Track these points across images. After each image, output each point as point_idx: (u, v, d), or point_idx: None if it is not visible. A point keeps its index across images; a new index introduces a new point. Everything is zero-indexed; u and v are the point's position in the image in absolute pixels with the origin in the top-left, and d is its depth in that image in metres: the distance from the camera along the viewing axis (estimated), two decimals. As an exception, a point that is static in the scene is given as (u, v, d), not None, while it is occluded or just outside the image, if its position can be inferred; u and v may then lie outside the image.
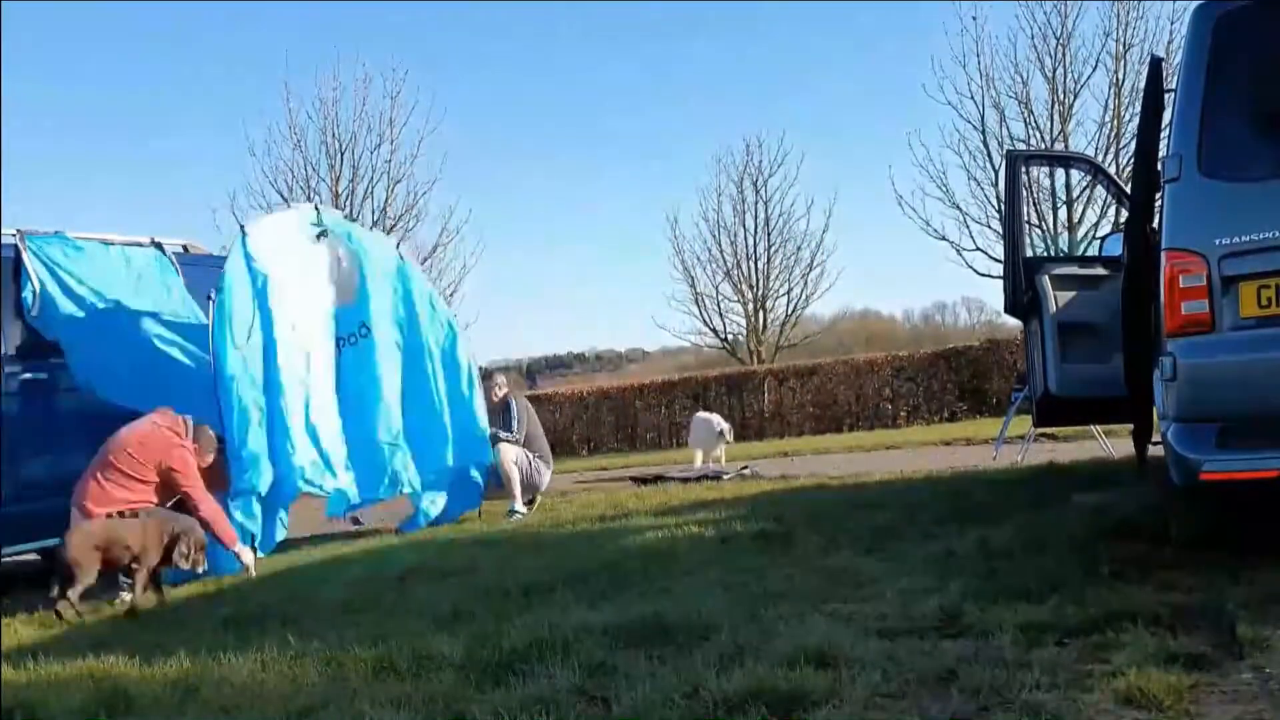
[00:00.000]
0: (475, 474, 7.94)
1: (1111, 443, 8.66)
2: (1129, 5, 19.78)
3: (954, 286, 69.70)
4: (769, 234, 26.50)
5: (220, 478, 6.22)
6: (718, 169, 30.21)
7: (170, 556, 5.40)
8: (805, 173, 27.38)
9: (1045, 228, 20.43)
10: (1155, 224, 4.40)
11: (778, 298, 26.80)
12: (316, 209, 7.96)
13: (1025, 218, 7.87)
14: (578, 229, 46.41)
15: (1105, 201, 19.33)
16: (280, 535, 6.72)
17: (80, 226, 6.94)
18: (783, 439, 18.08)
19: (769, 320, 26.97)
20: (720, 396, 20.77)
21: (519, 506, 8.06)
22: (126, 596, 5.41)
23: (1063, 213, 20.72)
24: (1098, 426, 8.82)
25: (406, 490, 7.51)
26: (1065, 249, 19.43)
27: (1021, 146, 19.79)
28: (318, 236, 7.51)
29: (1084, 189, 20.14)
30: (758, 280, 26.69)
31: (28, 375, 6.38)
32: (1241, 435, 3.64)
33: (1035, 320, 6.15)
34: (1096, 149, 19.82)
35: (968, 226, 21.35)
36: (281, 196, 21.07)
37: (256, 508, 6.36)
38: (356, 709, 2.84)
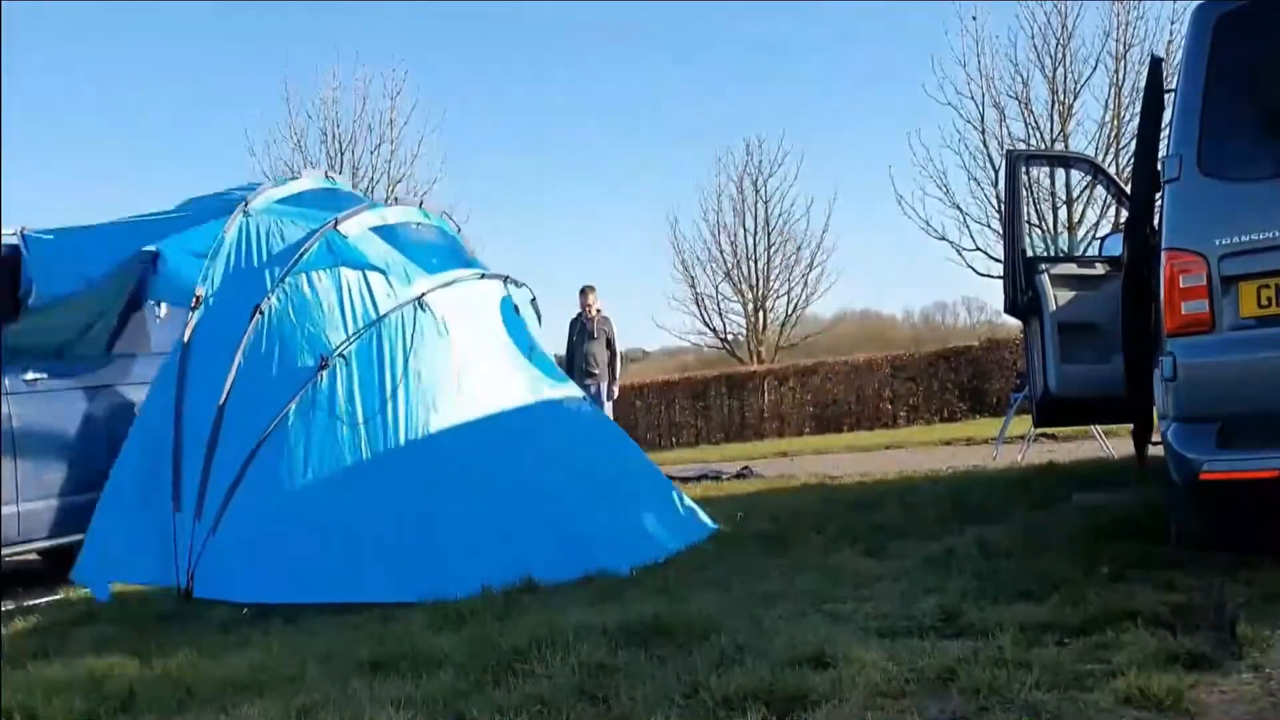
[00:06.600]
0: None
1: (1111, 443, 8.65)
2: (1129, 5, 19.79)
3: (954, 286, 69.41)
4: (769, 234, 26.49)
5: None
6: (718, 169, 30.23)
7: None
8: (805, 173, 27.40)
9: (1045, 228, 20.41)
10: (1155, 224, 4.40)
11: (778, 298, 26.81)
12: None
13: (1025, 218, 7.87)
14: (577, 228, 46.57)
15: (1105, 201, 19.33)
16: None
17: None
18: (783, 439, 18.08)
19: (769, 320, 26.97)
20: (720, 396, 20.79)
21: None
22: None
23: (1063, 213, 20.71)
24: (1098, 426, 8.82)
25: None
26: (1065, 249, 19.43)
27: (1021, 146, 19.79)
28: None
29: (1084, 189, 20.14)
30: (758, 280, 26.67)
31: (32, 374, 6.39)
32: (1241, 435, 3.64)
33: (1035, 320, 6.15)
34: (1096, 149, 19.82)
35: (968, 226, 21.34)
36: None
37: None
38: (356, 709, 2.84)
